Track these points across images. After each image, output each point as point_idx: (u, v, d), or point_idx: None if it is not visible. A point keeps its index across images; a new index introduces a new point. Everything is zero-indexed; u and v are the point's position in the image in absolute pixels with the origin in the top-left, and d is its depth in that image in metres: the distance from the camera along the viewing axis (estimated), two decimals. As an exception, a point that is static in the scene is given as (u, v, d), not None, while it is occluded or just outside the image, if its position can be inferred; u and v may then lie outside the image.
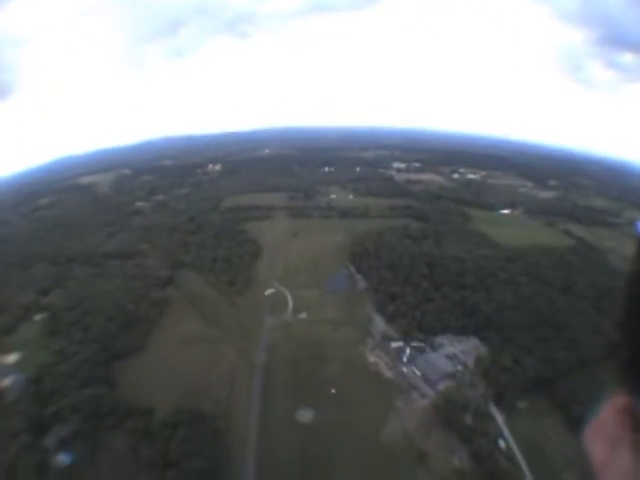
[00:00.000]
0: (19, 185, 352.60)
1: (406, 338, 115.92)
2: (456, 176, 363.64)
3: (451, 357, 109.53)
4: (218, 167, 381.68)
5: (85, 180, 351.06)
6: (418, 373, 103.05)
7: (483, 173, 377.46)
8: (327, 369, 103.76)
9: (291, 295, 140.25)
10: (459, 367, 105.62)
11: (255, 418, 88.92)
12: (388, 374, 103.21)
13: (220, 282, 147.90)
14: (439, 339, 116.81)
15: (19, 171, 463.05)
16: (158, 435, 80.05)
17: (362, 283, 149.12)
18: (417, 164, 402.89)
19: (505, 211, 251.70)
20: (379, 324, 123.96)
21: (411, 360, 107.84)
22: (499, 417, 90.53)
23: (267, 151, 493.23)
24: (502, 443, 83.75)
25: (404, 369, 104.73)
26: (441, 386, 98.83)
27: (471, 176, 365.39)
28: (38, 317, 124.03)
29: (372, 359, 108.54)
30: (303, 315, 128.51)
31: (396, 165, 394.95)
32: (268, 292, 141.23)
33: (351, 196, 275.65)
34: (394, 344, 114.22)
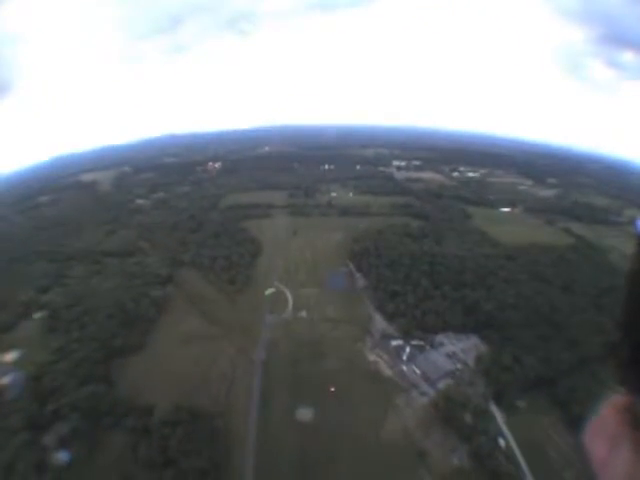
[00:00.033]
0: (19, 182, 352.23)
1: (406, 336, 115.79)
2: (456, 174, 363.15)
3: (451, 355, 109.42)
4: (218, 165, 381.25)
5: (85, 177, 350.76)
6: (418, 371, 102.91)
7: (483, 171, 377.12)
8: (327, 367, 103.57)
9: (291, 293, 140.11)
10: (459, 365, 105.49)
11: (254, 416, 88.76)
12: (388, 372, 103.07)
13: (220, 280, 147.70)
14: (439, 337, 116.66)
15: (20, 168, 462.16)
16: (157, 433, 79.95)
17: (362, 281, 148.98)
18: (417, 162, 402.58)
19: (505, 209, 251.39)
20: (379, 322, 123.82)
21: (411, 358, 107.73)
22: (499, 416, 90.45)
23: (267, 149, 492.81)
24: (502, 442, 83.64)
25: (404, 367, 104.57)
26: (441, 385, 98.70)
27: (471, 174, 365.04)
28: (37, 315, 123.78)
29: (372, 357, 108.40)
30: (303, 313, 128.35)
31: (396, 163, 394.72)
32: (268, 292, 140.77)
33: (351, 194, 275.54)
34: (394, 342, 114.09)
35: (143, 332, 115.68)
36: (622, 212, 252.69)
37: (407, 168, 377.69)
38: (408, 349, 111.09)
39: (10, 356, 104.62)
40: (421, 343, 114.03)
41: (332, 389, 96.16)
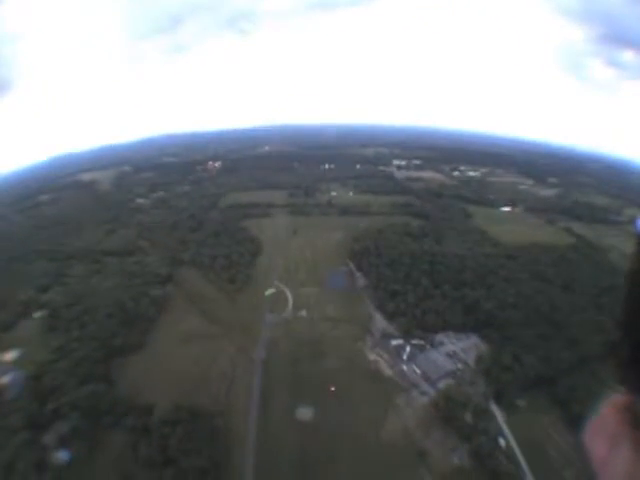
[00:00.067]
0: (19, 182, 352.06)
1: (406, 336, 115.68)
2: (456, 174, 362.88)
3: (451, 355, 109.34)
4: (218, 164, 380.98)
5: (85, 177, 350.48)
6: (418, 371, 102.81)
7: (483, 171, 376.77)
8: (327, 367, 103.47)
9: (291, 292, 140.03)
10: (459, 365, 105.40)
11: (254, 416, 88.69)
12: (388, 372, 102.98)
13: (220, 280, 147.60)
14: (439, 337, 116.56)
15: (19, 167, 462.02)
16: (157, 433, 79.88)
17: (362, 281, 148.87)
18: (417, 161, 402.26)
19: (505, 209, 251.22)
20: (379, 322, 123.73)
21: (411, 358, 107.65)
22: (499, 415, 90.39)
23: (267, 148, 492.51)
24: (502, 441, 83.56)
25: (404, 367, 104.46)
26: (441, 384, 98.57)
27: (471, 174, 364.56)
28: (37, 314, 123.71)
29: (372, 357, 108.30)
30: (303, 312, 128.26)
31: (396, 162, 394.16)
32: (268, 293, 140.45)
33: (351, 193, 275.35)
34: (394, 342, 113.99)
35: (143, 331, 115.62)
36: (622, 211, 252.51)
37: (407, 167, 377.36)
38: (408, 348, 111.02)
39: (10, 355, 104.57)
40: (421, 342, 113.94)
41: (332, 388, 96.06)
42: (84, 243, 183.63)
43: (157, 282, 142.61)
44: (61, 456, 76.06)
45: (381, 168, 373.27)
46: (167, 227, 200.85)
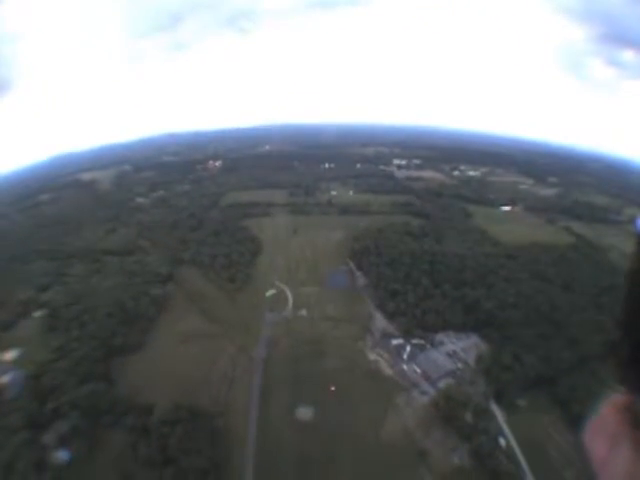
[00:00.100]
0: (19, 181, 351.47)
1: (406, 335, 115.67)
2: (457, 173, 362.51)
3: (451, 355, 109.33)
4: (218, 163, 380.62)
5: (85, 176, 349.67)
6: (418, 371, 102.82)
7: (484, 170, 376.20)
8: (327, 366, 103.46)
9: (291, 292, 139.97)
10: (459, 365, 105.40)
11: (254, 415, 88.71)
12: (388, 371, 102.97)
13: (220, 279, 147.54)
14: (439, 336, 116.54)
15: (20, 167, 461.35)
16: (157, 432, 79.85)
17: (362, 280, 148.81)
18: (417, 161, 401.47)
19: (506, 208, 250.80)
20: (379, 321, 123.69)
21: (411, 358, 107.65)
22: (499, 415, 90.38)
23: (267, 148, 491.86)
24: (502, 441, 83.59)
25: (404, 367, 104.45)
26: (441, 384, 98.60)
27: (472, 173, 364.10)
28: (37, 313, 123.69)
29: (372, 356, 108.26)
30: (303, 312, 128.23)
31: (396, 162, 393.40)
32: (269, 293, 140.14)
33: (351, 193, 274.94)
34: (394, 341, 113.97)
35: (143, 331, 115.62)
36: (622, 211, 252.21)
37: (407, 167, 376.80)
38: (408, 348, 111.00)
39: (10, 355, 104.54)
40: (421, 342, 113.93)
41: (332, 388, 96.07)
42: (84, 242, 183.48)
43: (157, 281, 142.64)
44: (61, 455, 76.06)
45: (381, 167, 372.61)
46: (167, 226, 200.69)
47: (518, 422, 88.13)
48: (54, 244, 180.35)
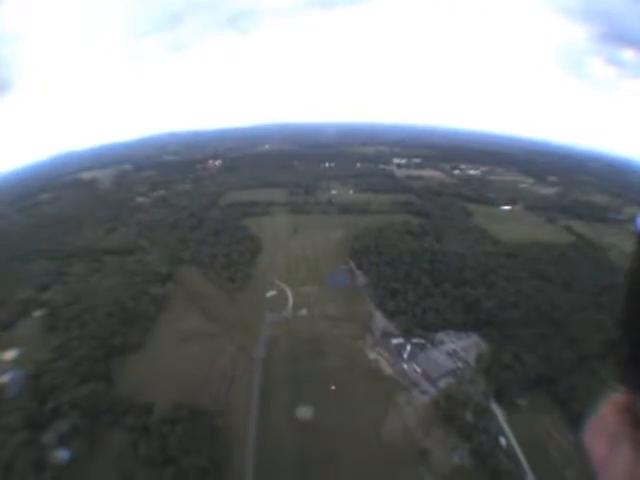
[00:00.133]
0: (20, 180, 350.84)
1: (406, 335, 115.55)
2: (457, 172, 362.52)
3: (452, 354, 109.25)
4: (218, 163, 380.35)
5: (86, 175, 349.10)
6: (419, 370, 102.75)
7: (484, 169, 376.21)
8: (327, 366, 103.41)
9: (291, 291, 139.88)
10: (460, 364, 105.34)
11: (254, 415, 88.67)
12: (388, 371, 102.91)
13: (220, 278, 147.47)
14: (440, 336, 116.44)
15: (20, 166, 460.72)
16: (157, 432, 79.77)
17: (362, 279, 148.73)
18: (417, 160, 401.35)
19: (506, 207, 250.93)
20: (379, 320, 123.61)
21: (412, 357, 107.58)
22: (500, 414, 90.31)
23: (267, 147, 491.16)
24: (503, 440, 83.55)
25: (405, 366, 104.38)
26: (442, 383, 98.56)
27: (472, 172, 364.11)
28: (37, 313, 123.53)
29: (372, 356, 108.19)
30: (303, 311, 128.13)
31: (396, 161, 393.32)
32: (269, 294, 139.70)
33: (351, 192, 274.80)
34: (394, 341, 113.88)
35: (143, 330, 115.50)
36: (622, 210, 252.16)
37: (407, 166, 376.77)
38: (409, 347, 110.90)
39: (10, 354, 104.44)
40: (422, 341, 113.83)
41: (332, 387, 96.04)
42: (84, 242, 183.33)
43: (157, 281, 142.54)
44: (61, 455, 76.00)
45: (381, 166, 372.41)
46: (167, 226, 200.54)
47: (518, 421, 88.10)
48: (54, 243, 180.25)
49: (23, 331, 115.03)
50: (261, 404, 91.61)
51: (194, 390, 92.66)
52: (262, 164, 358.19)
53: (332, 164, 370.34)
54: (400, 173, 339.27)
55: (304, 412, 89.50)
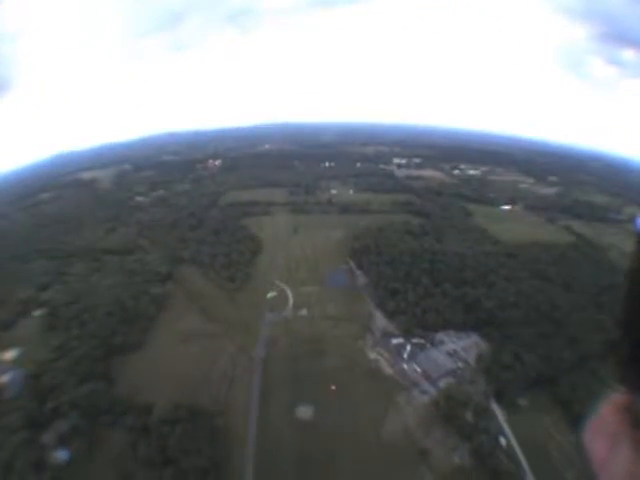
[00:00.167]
0: (20, 180, 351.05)
1: (407, 334, 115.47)
2: (457, 172, 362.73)
3: (452, 354, 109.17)
4: (218, 162, 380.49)
5: (86, 175, 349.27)
6: (419, 370, 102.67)
7: (484, 169, 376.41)
8: (327, 365, 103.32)
9: (291, 291, 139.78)
10: (460, 364, 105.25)
11: (254, 415, 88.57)
12: (388, 371, 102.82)
13: (220, 278, 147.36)
14: (440, 336, 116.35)
15: (20, 166, 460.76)
16: (156, 432, 79.62)
17: (362, 279, 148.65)
18: (418, 160, 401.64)
19: (506, 207, 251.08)
20: (379, 320, 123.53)
21: (412, 357, 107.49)
22: (500, 414, 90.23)
23: (267, 147, 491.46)
24: (503, 440, 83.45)
25: (405, 366, 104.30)
26: (442, 383, 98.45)
27: (472, 172, 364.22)
28: (37, 313, 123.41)
29: (372, 356, 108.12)
30: (303, 311, 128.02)
31: (397, 161, 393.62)
32: (270, 295, 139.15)
33: (351, 192, 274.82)
34: (394, 340, 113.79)
35: (143, 330, 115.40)
36: (622, 210, 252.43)
37: (407, 166, 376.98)
38: (409, 347, 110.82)
39: (9, 354, 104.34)
40: (422, 341, 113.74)
41: (332, 387, 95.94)
42: (84, 241, 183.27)
43: (157, 280, 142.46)
44: (60, 455, 75.88)
45: (381, 166, 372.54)
46: (167, 225, 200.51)
47: (518, 421, 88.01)
48: (54, 243, 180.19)
49: (23, 331, 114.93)
50: (261, 404, 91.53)
51: (194, 390, 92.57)
52: (262, 164, 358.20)
53: (332, 164, 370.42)
54: (400, 173, 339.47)
55: (304, 412, 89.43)
